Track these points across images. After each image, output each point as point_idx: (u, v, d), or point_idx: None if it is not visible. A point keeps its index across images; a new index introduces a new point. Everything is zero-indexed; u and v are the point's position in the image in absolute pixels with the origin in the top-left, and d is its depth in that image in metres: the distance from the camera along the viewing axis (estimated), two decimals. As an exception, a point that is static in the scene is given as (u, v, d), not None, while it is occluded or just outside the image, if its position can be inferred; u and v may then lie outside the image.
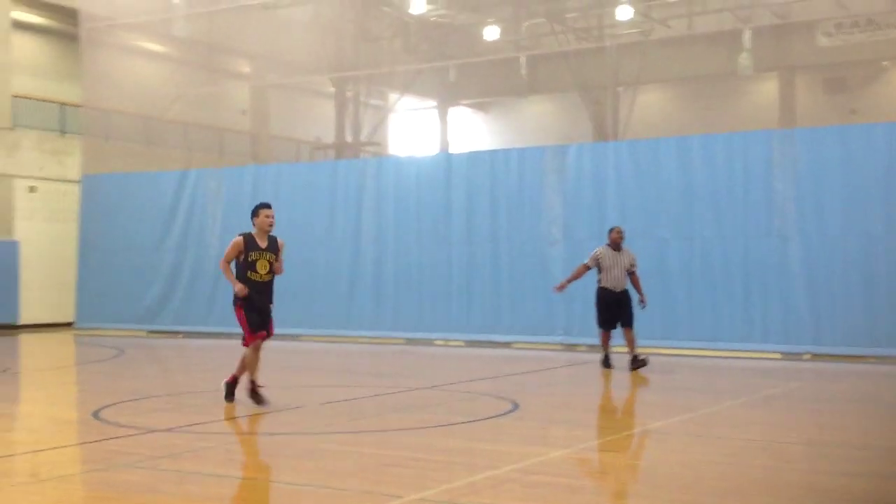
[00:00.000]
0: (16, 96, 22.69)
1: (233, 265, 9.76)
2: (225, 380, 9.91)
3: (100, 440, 8.31)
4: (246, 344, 9.62)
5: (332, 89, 28.55)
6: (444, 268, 17.78)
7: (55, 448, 8.04)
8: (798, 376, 13.14)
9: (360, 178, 18.81)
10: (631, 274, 13.12)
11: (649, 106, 29.94)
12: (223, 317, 19.67)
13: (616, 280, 13.05)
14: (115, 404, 9.98)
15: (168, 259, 20.48)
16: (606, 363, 13.17)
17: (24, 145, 22.64)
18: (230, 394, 9.84)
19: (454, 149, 32.31)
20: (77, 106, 23.27)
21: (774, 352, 15.07)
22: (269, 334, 9.70)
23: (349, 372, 14.25)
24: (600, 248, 13.14)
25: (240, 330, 9.77)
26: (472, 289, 17.46)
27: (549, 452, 7.49)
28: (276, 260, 9.83)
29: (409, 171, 18.63)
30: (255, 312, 9.55)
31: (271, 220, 9.85)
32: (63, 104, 23.73)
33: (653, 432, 8.46)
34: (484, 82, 30.85)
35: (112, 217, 21.14)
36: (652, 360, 13.18)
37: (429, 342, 17.63)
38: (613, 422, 8.04)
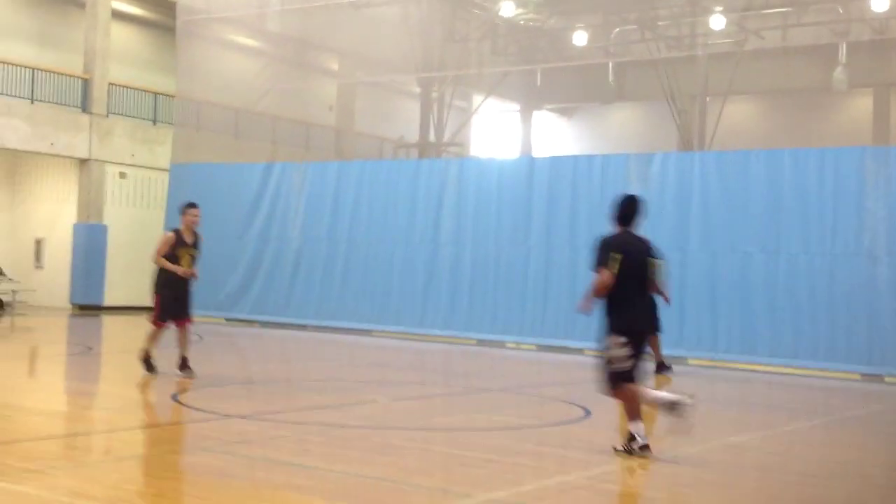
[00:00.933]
0: (112, 84, 23.34)
1: None
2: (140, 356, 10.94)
3: (177, 423, 8.47)
4: (153, 323, 11.03)
5: (418, 89, 28.66)
6: (521, 271, 17.70)
7: (133, 428, 8.22)
8: (879, 399, 12.74)
9: (441, 178, 18.84)
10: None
11: (738, 117, 29.38)
12: (300, 308, 19.95)
13: None
14: (193, 389, 10.17)
15: (249, 249, 20.81)
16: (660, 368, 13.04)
17: (117, 132, 23.27)
18: (149, 367, 11.03)
19: (536, 153, 32.17)
20: (170, 96, 23.82)
21: (855, 372, 14.64)
22: (187, 321, 11.08)
23: (421, 370, 14.28)
24: None
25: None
26: (548, 293, 17.34)
27: (620, 462, 7.39)
28: (197, 255, 11.04)
29: (490, 172, 18.60)
30: (173, 300, 10.85)
31: (197, 219, 11.00)
32: (157, 94, 24.32)
33: (729, 447, 8.29)
34: (570, 87, 30.63)
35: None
36: (730, 374, 12.92)
37: (501, 344, 17.57)
38: (688, 435, 7.88)
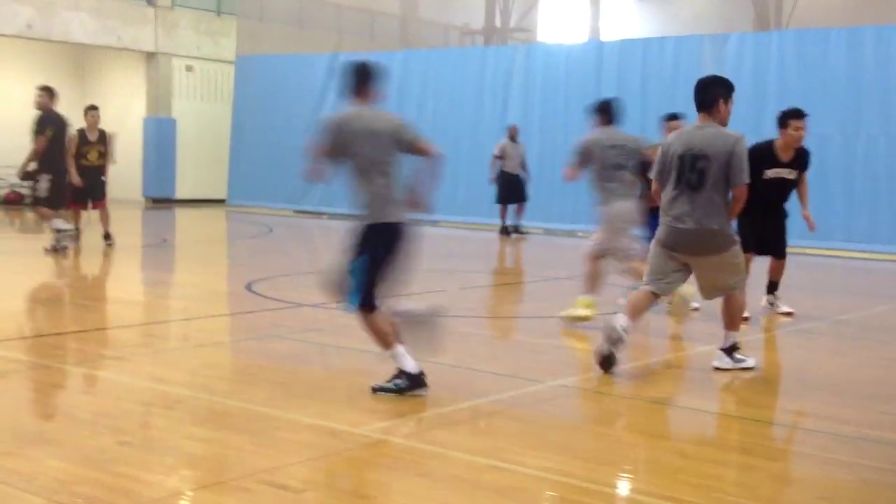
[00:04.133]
0: (175, -24, 23.17)
1: None
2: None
3: (251, 311, 8.63)
4: (70, 206, 12.56)
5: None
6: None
7: (209, 317, 8.40)
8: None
9: (508, 66, 18.48)
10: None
11: (817, -5, 28.14)
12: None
13: (513, 166, 16.47)
14: (265, 279, 10.33)
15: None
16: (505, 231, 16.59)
17: (181, 24, 23.19)
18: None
19: (605, 36, 31.32)
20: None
21: (935, 257, 14.25)
22: (97, 205, 12.79)
23: (489, 259, 14.28)
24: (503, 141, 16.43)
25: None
26: (617, 181, 17.08)
27: (694, 347, 7.34)
28: (106, 149, 12.77)
29: (558, 58, 18.17)
30: (82, 189, 12.46)
31: (97, 119, 12.74)
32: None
33: (805, 332, 8.17)
34: (640, -33, 29.61)
35: (264, 98, 21.55)
36: (805, 260, 12.66)
37: (571, 233, 17.45)
38: (763, 320, 7.79)
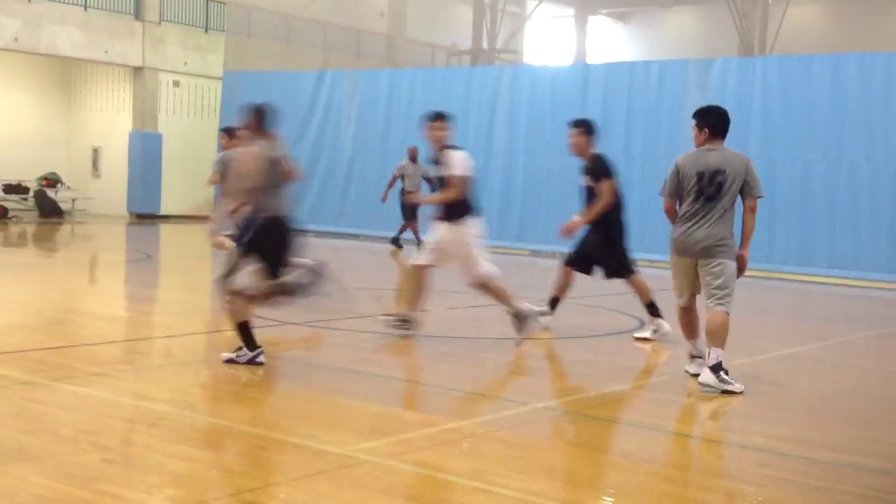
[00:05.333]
0: (163, -9, 23.20)
1: None
2: None
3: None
4: None
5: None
6: (574, 180, 17.39)
7: (193, 334, 8.38)
8: (943, 312, 12.52)
9: (494, 86, 18.58)
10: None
11: (801, 20, 28.45)
12: (355, 217, 20.03)
13: (412, 185, 16.82)
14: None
15: (303, 158, 20.77)
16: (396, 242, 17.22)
17: (169, 40, 23.20)
18: None
19: (591, 59, 31.53)
20: (221, 2, 23.64)
21: (917, 285, 14.37)
22: None
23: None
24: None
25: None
26: (601, 203, 17.15)
27: (677, 371, 7.37)
28: None
29: (544, 80, 18.28)
30: None
31: None
32: (208, 0, 24.13)
33: (785, 358, 8.22)
34: (626, -9, 29.87)
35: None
36: (787, 286, 12.76)
37: (553, 255, 17.50)
38: (744, 345, 7.84)
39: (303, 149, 20.77)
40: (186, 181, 23.18)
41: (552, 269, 16.11)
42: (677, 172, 6.67)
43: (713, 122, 6.68)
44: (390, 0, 28.65)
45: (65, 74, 24.10)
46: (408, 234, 17.33)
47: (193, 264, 15.10)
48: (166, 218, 22.81)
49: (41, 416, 5.42)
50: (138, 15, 22.65)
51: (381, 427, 5.30)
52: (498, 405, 5.98)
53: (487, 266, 7.92)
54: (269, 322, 8.67)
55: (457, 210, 7.87)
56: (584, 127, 8.68)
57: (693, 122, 6.77)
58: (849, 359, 8.49)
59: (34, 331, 8.24)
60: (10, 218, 20.90)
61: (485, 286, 7.97)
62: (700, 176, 6.55)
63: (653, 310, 8.50)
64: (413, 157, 17.06)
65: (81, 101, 24.21)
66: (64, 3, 21.36)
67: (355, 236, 19.73)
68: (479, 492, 4.26)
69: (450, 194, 7.87)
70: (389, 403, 6.06)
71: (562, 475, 4.63)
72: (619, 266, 8.65)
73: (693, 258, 6.60)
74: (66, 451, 4.62)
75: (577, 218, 8.71)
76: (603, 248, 8.64)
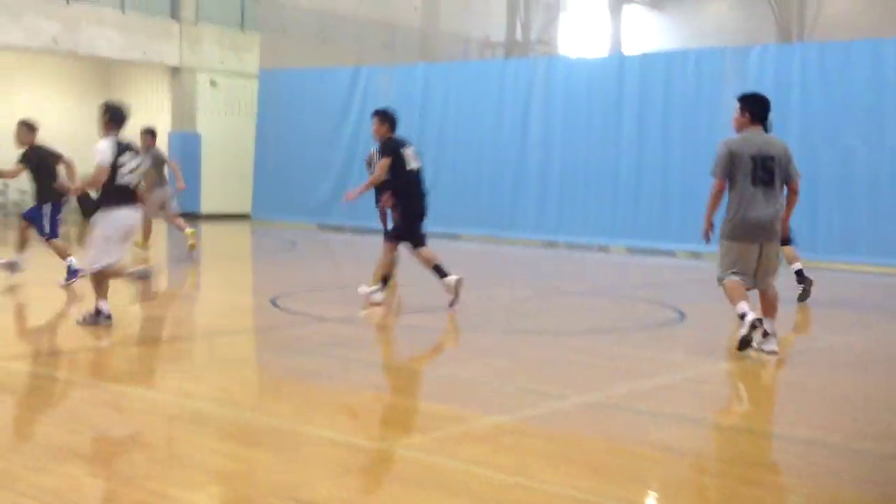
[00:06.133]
0: (198, -9, 23.40)
1: None
2: None
3: (276, 326, 8.69)
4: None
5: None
6: (612, 172, 17.41)
7: (234, 332, 8.47)
8: None
9: (529, 78, 18.52)
10: None
11: (840, 5, 28.04)
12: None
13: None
14: (289, 293, 10.39)
15: (339, 155, 20.92)
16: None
17: (206, 39, 23.39)
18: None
19: (627, 50, 31.31)
20: (257, 2, 23.79)
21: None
22: None
23: (511, 273, 14.30)
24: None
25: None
26: (639, 195, 17.06)
27: (717, 363, 7.32)
28: None
29: (579, 71, 18.19)
30: None
31: None
32: (243, -1, 24.30)
33: (823, 350, 8.13)
34: (661, -21, 29.61)
35: (287, 112, 21.69)
36: (830, 275, 12.60)
37: (591, 247, 17.45)
38: (782, 336, 7.76)
39: (339, 146, 20.87)
40: (226, 180, 23.39)
41: (590, 261, 16.13)
42: (730, 155, 7.00)
43: (756, 107, 7.09)
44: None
45: (103, 76, 24.39)
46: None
47: (234, 263, 15.24)
48: (206, 217, 23.01)
49: (87, 415, 5.51)
50: (175, 15, 22.87)
51: (421, 422, 5.32)
52: (538, 399, 5.98)
53: None
54: (306, 319, 8.74)
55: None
56: (382, 115, 10.03)
57: (737, 105, 7.14)
58: (891, 347, 8.37)
59: (79, 332, 8.36)
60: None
61: None
62: (754, 160, 6.96)
63: (440, 272, 9.32)
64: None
65: (126, 103, 24.46)
66: (102, 4, 21.60)
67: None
68: (521, 487, 4.27)
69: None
70: (430, 399, 6.09)
71: (604, 470, 4.62)
72: (407, 235, 9.62)
73: (757, 241, 6.97)
74: (113, 450, 4.70)
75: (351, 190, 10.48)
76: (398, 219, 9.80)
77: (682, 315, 9.53)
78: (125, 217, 7.98)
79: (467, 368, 6.87)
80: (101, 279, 7.92)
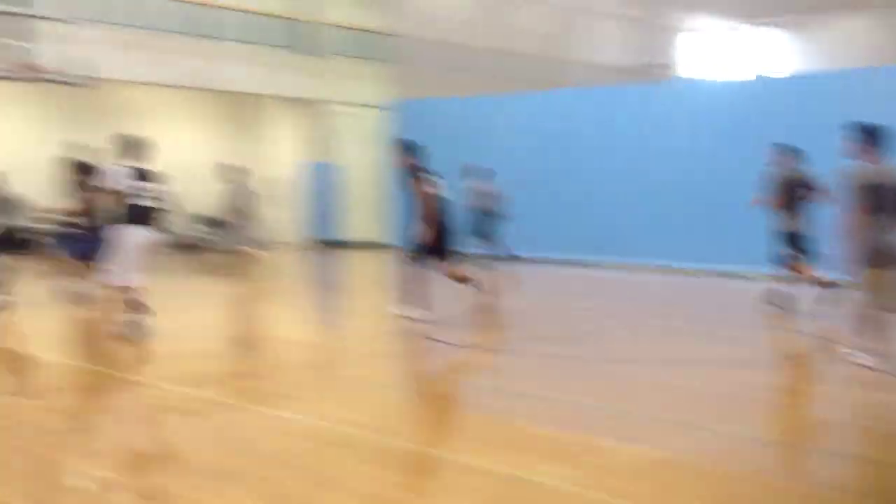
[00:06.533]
0: (330, 25, 24.08)
1: None
2: None
3: (421, 353, 8.79)
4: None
5: (630, 11, 27.84)
6: (747, 198, 16.93)
7: (380, 357, 8.60)
8: None
9: (657, 102, 18.30)
10: None
11: None
12: (531, 240, 20.08)
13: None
14: (432, 320, 10.49)
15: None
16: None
17: (342, 72, 24.06)
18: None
19: (755, 71, 30.51)
20: (387, 35, 24.34)
21: None
22: None
23: (647, 301, 14.06)
24: None
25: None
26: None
27: (880, 394, 7.01)
28: None
29: (710, 94, 17.87)
30: None
31: None
32: (374, 32, 24.88)
33: None
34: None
35: (425, 142, 21.96)
36: None
37: (732, 274, 16.98)
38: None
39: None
40: (363, 208, 23.92)
41: (733, 289, 15.69)
42: (866, 185, 7.25)
43: (877, 137, 7.44)
44: (550, 20, 28.67)
45: (242, 109, 25.33)
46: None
47: (375, 289, 15.52)
48: (347, 245, 23.56)
49: (241, 438, 5.71)
50: (313, 50, 23.62)
51: (567, 452, 5.29)
52: (682, 431, 5.86)
53: None
54: (452, 347, 8.82)
55: None
56: (401, 144, 10.92)
57: (857, 136, 7.49)
58: None
59: (230, 356, 8.68)
60: (201, 249, 22.10)
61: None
62: (886, 189, 7.23)
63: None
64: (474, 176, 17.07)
65: (260, 134, 25.38)
66: (239, 40, 22.50)
67: (533, 260, 19.77)
68: (670, 519, 4.18)
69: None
70: (570, 427, 6.04)
71: (755, 504, 4.48)
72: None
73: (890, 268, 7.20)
74: (267, 473, 4.85)
75: None
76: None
77: (832, 343, 9.17)
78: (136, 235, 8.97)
79: (616, 399, 6.79)
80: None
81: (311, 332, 10.65)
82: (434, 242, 9.96)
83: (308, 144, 24.15)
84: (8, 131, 21.04)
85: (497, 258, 16.08)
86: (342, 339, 9.99)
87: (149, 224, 9.19)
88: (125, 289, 8.98)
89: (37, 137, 20.77)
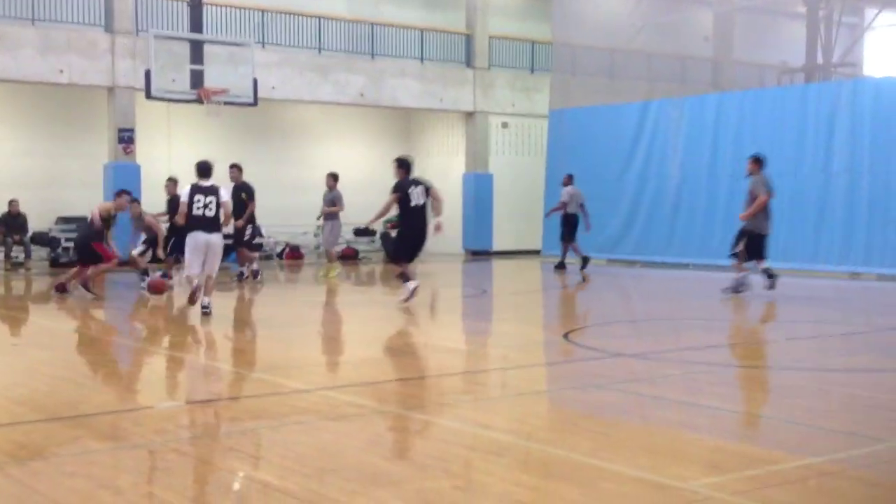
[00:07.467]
0: (492, 37, 24.30)
1: None
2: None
3: (569, 361, 8.73)
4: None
5: (802, 9, 26.79)
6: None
7: (529, 365, 8.60)
8: None
9: (832, 103, 17.52)
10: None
11: None
12: (682, 246, 19.64)
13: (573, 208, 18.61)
14: (582, 328, 10.42)
15: (629, 190, 20.81)
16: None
17: (497, 84, 24.24)
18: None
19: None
20: (546, 43, 24.34)
21: None
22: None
23: (815, 307, 13.49)
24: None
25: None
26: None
27: None
28: None
29: (889, 93, 16.97)
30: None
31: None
32: (534, 42, 24.94)
33: None
34: None
35: (576, 150, 21.89)
36: None
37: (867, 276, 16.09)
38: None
39: (629, 181, 20.77)
40: (516, 218, 23.99)
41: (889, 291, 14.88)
42: None
43: None
44: (715, 22, 27.95)
45: (404, 123, 25.87)
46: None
47: (527, 298, 15.52)
48: (498, 254, 23.66)
49: (396, 443, 5.80)
50: (469, 63, 23.90)
51: (723, 462, 5.13)
52: (851, 441, 5.58)
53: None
54: (599, 354, 8.72)
55: None
56: (399, 162, 12.35)
57: None
58: None
59: (385, 363, 8.85)
60: (360, 259, 22.66)
61: None
62: None
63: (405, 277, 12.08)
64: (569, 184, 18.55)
65: (419, 147, 25.83)
66: (403, 57, 22.99)
67: (684, 265, 19.33)
68: (836, 534, 3.99)
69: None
70: (731, 437, 5.85)
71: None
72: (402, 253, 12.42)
73: None
74: (420, 477, 4.91)
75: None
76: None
77: None
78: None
79: (771, 407, 6.55)
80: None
81: (462, 339, 10.73)
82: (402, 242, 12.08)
83: (468, 156, 24.40)
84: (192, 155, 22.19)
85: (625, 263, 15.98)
86: (491, 346, 10.02)
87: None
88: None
89: (218, 157, 21.83)
